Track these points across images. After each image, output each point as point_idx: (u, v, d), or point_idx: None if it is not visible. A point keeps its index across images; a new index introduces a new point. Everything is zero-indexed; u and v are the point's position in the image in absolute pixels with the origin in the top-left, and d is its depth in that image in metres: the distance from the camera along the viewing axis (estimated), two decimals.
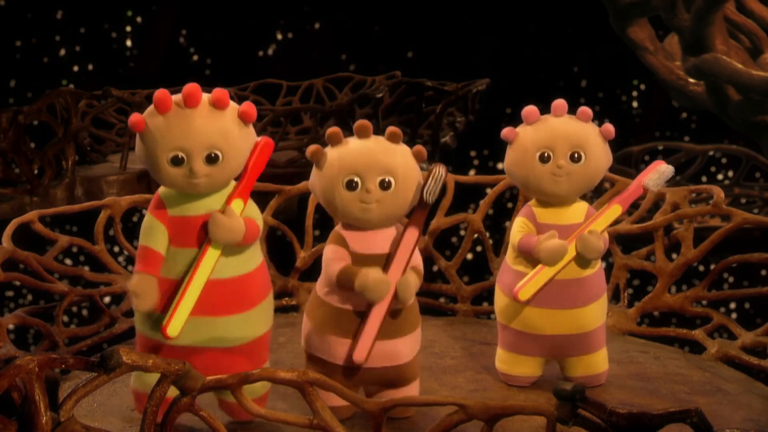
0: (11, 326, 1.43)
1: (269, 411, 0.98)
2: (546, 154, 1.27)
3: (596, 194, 1.91)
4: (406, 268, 1.19)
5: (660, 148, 3.53)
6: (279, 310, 1.67)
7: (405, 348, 1.22)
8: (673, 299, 1.57)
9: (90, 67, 3.82)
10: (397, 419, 1.20)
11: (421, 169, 1.22)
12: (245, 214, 1.18)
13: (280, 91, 3.43)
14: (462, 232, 1.71)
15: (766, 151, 1.94)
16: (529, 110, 1.30)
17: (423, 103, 2.87)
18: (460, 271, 1.69)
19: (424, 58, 3.82)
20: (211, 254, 1.16)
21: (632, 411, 0.89)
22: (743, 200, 3.32)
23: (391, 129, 1.21)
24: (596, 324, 1.31)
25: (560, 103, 1.30)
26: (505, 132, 1.30)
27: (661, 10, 1.76)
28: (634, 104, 3.92)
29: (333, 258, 1.20)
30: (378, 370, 1.21)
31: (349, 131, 1.23)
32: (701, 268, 2.63)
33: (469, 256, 1.73)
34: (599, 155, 1.29)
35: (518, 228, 1.31)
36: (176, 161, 1.14)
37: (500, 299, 1.33)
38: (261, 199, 1.69)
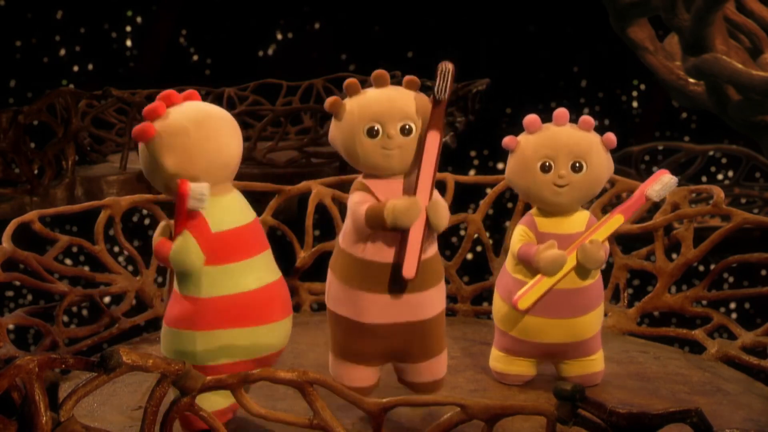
0: (11, 326, 1.43)
1: (269, 411, 0.98)
2: (547, 164, 1.27)
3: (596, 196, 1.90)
4: (434, 178, 1.18)
5: (660, 148, 3.53)
6: None
7: (431, 301, 1.20)
8: (673, 299, 1.57)
9: (90, 67, 3.82)
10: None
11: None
12: None
13: (280, 91, 3.43)
14: (462, 232, 1.71)
15: (766, 151, 1.94)
16: (531, 119, 1.29)
17: None
18: (460, 271, 1.69)
19: (424, 58, 3.82)
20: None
21: (632, 411, 0.89)
22: (743, 200, 3.32)
23: (408, 77, 1.22)
24: (593, 332, 1.31)
25: (562, 112, 1.29)
26: (506, 141, 1.29)
27: (661, 10, 1.76)
28: (634, 104, 3.92)
29: (359, 201, 1.19)
30: (403, 326, 1.19)
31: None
32: (701, 268, 2.63)
33: (469, 256, 1.73)
34: (600, 165, 1.28)
35: (518, 236, 1.30)
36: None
37: (499, 305, 1.33)
38: (261, 199, 1.70)
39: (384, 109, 1.18)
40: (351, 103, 1.20)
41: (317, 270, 1.70)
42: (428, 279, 1.20)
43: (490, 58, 3.78)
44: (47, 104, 2.61)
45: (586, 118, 1.29)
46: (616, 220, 1.30)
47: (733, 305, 3.28)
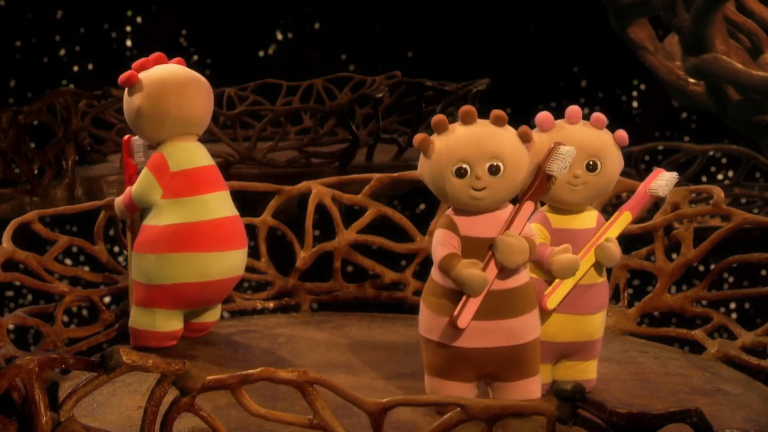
0: (11, 326, 1.43)
1: (269, 411, 0.98)
2: None
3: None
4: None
5: (660, 148, 3.53)
6: (279, 310, 1.67)
7: (522, 327, 1.21)
8: (673, 299, 1.57)
9: (90, 67, 3.82)
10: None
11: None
12: None
13: (280, 91, 3.43)
14: None
15: (766, 151, 1.94)
16: (544, 117, 1.28)
17: (423, 103, 2.87)
18: None
19: (424, 58, 3.82)
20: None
21: (632, 411, 0.89)
22: (743, 200, 3.33)
23: (496, 112, 1.21)
24: (599, 334, 1.31)
25: (575, 110, 1.28)
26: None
27: (661, 10, 1.77)
28: (634, 104, 3.93)
29: (439, 243, 1.20)
30: (496, 351, 1.20)
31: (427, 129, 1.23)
32: (701, 268, 2.63)
33: None
34: (614, 163, 1.27)
35: None
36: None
37: None
38: (261, 199, 1.70)
39: (472, 149, 1.18)
40: (439, 142, 1.20)
41: (317, 270, 1.71)
42: (518, 306, 1.20)
43: (490, 58, 3.78)
44: (47, 104, 2.61)
45: (599, 116, 1.28)
46: (625, 218, 1.29)
47: (733, 305, 3.28)
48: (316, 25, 3.96)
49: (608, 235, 1.27)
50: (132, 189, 1.44)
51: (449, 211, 1.22)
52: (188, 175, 1.43)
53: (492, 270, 1.18)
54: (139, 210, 1.45)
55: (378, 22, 3.91)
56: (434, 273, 1.22)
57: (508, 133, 1.20)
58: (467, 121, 1.20)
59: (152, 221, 1.42)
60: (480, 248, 1.19)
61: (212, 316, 1.51)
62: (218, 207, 1.44)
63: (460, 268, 1.16)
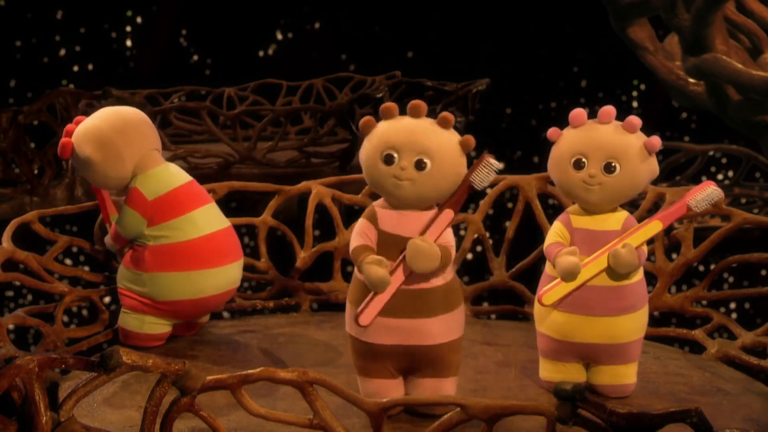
0: (11, 326, 1.43)
1: (269, 411, 0.98)
2: (580, 161, 1.26)
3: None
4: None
5: (660, 148, 3.53)
6: (279, 310, 1.67)
7: (435, 328, 1.20)
8: (673, 299, 1.57)
9: (90, 67, 3.82)
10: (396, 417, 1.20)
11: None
12: None
13: (280, 91, 3.43)
14: (462, 232, 1.71)
15: (766, 151, 1.94)
16: (577, 113, 1.28)
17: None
18: (460, 271, 1.68)
19: (424, 58, 3.82)
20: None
21: (632, 411, 0.89)
22: (743, 200, 3.32)
23: (443, 114, 1.22)
24: (631, 337, 1.29)
25: (608, 110, 1.27)
26: (550, 132, 1.28)
27: (661, 10, 1.77)
28: (634, 104, 3.92)
29: (356, 233, 1.21)
30: (407, 348, 1.20)
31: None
32: (701, 268, 2.63)
33: (469, 256, 1.73)
34: (636, 168, 1.26)
35: (551, 233, 1.29)
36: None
37: (535, 304, 1.32)
38: (261, 199, 1.70)
39: (403, 139, 1.19)
40: (380, 126, 1.21)
41: (317, 270, 1.71)
42: (433, 307, 1.20)
43: (490, 58, 3.78)
44: (47, 104, 2.61)
45: (632, 119, 1.26)
46: (653, 226, 1.28)
47: (733, 305, 3.28)
48: (316, 25, 3.96)
49: (629, 241, 1.26)
50: (116, 227, 1.48)
51: (376, 203, 1.23)
52: (167, 200, 1.45)
53: (400, 271, 1.18)
54: (129, 241, 1.48)
55: (378, 22, 3.91)
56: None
57: (448, 135, 1.21)
58: (414, 114, 1.21)
59: (142, 241, 1.45)
60: (394, 245, 1.19)
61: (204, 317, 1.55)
62: (207, 222, 1.46)
63: (366, 262, 1.17)
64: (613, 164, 1.25)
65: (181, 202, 1.45)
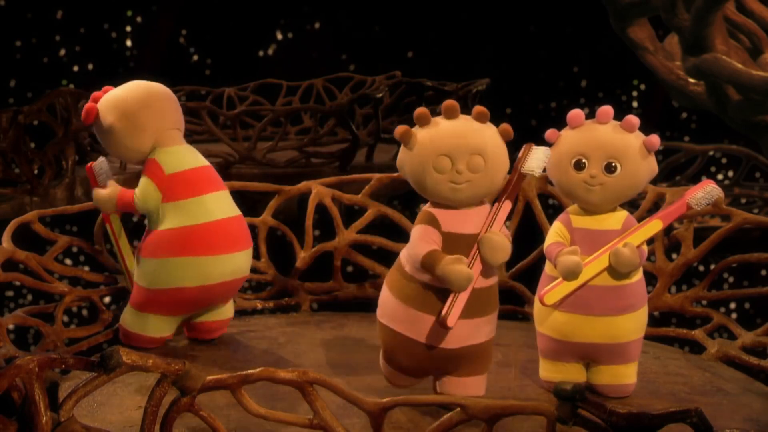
0: (11, 326, 1.43)
1: (269, 411, 0.98)
2: (580, 162, 1.25)
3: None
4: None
5: (660, 148, 3.53)
6: (279, 310, 1.67)
7: (485, 327, 1.22)
8: (673, 299, 1.57)
9: (90, 67, 3.82)
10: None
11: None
12: None
13: (280, 91, 3.43)
14: None
15: (766, 151, 1.94)
16: (575, 114, 1.28)
17: (423, 103, 2.87)
18: None
19: (424, 58, 3.82)
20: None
21: (632, 411, 0.89)
22: (743, 200, 3.32)
23: (478, 108, 1.22)
24: (631, 336, 1.29)
25: (606, 110, 1.27)
26: (548, 133, 1.28)
27: (661, 10, 1.77)
28: (634, 104, 3.92)
29: (420, 238, 1.20)
30: (458, 350, 1.21)
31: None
32: (701, 268, 2.63)
33: None
34: (637, 167, 1.26)
35: (552, 233, 1.29)
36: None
37: (535, 304, 1.32)
38: (261, 199, 1.70)
39: (454, 144, 1.19)
40: (422, 134, 1.21)
41: (317, 270, 1.70)
42: (484, 308, 1.21)
43: (490, 58, 3.78)
44: (47, 104, 2.61)
45: (631, 119, 1.27)
46: (654, 225, 1.28)
47: (733, 305, 3.28)
48: (316, 25, 3.96)
49: (630, 240, 1.25)
50: (133, 196, 1.45)
51: (428, 207, 1.23)
52: (184, 177, 1.44)
53: (477, 267, 1.19)
54: (137, 213, 1.47)
55: (378, 22, 3.91)
56: (406, 264, 1.22)
57: (490, 130, 1.21)
58: (450, 115, 1.21)
59: (154, 226, 1.43)
60: (460, 244, 1.19)
61: (225, 313, 1.51)
62: (218, 208, 1.44)
63: (448, 263, 1.16)
64: (613, 164, 1.25)
65: (195, 183, 1.44)
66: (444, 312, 1.18)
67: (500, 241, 1.19)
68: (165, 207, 1.42)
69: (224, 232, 1.43)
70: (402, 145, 1.22)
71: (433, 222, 1.20)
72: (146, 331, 1.45)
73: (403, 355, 1.22)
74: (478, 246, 1.19)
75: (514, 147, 1.25)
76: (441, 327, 1.18)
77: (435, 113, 1.21)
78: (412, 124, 1.22)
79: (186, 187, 1.43)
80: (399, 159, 1.23)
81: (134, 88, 1.47)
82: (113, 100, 1.46)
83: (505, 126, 1.22)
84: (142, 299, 1.44)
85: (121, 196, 1.46)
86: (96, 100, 1.48)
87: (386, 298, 1.23)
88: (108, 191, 1.47)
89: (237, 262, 1.45)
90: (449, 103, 1.22)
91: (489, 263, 1.19)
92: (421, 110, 1.21)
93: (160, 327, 1.45)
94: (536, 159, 1.22)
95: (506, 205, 1.22)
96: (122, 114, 1.44)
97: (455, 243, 1.19)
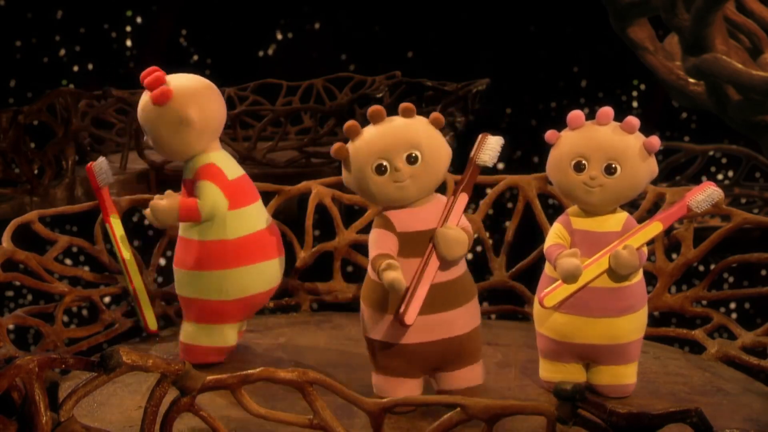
0: (11, 326, 1.43)
1: (269, 411, 0.98)
2: (580, 163, 1.26)
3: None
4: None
5: (660, 148, 3.52)
6: (279, 310, 1.67)
7: (460, 319, 1.23)
8: (673, 299, 1.57)
9: (90, 67, 3.82)
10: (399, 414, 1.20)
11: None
12: None
13: (280, 91, 3.43)
14: None
15: (766, 151, 1.94)
16: (574, 115, 1.28)
17: (423, 103, 2.87)
18: None
19: (424, 58, 3.82)
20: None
21: (632, 411, 0.89)
22: (743, 200, 3.32)
23: (403, 105, 1.23)
24: (631, 337, 1.29)
25: (606, 111, 1.27)
26: (548, 135, 1.28)
27: (661, 10, 1.77)
28: (634, 104, 3.92)
29: (372, 243, 1.22)
30: (437, 344, 1.21)
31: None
32: (701, 268, 2.63)
33: (469, 256, 1.72)
34: (637, 169, 1.26)
35: (552, 235, 1.29)
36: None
37: (535, 304, 1.32)
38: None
39: (386, 144, 1.20)
40: (354, 146, 1.22)
41: (317, 270, 1.70)
42: (455, 299, 1.22)
43: (490, 58, 3.78)
44: (47, 104, 2.61)
45: (631, 120, 1.27)
46: (654, 228, 1.28)
47: (733, 305, 3.28)
48: (316, 25, 3.96)
49: (630, 242, 1.25)
50: (197, 204, 1.35)
51: (383, 210, 1.23)
52: (239, 184, 1.39)
53: (431, 265, 1.19)
54: (199, 221, 1.37)
55: (378, 22, 3.90)
56: (370, 271, 1.23)
57: (420, 123, 1.22)
58: (377, 120, 1.22)
59: (217, 236, 1.37)
60: (418, 242, 1.20)
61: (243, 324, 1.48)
62: (265, 215, 1.43)
63: (381, 269, 1.17)
64: (613, 165, 1.25)
65: (248, 190, 1.40)
66: (402, 310, 1.19)
67: (455, 235, 1.19)
68: (230, 214, 1.37)
69: (276, 237, 1.42)
70: (342, 164, 1.23)
71: (387, 225, 1.21)
72: (221, 342, 1.41)
73: (385, 360, 1.23)
74: (433, 241, 1.19)
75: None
76: (400, 324, 1.19)
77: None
78: None
79: (242, 194, 1.39)
80: (344, 178, 1.24)
81: (203, 81, 1.38)
82: (189, 89, 1.36)
83: (436, 114, 1.23)
84: (211, 312, 1.39)
85: (183, 205, 1.36)
86: (157, 82, 1.35)
87: (361, 310, 1.25)
88: (168, 202, 1.36)
89: (280, 268, 1.44)
90: (373, 108, 1.22)
91: (445, 258, 1.19)
92: (349, 124, 1.22)
93: (229, 335, 1.42)
94: (490, 149, 1.23)
95: (462, 198, 1.22)
96: (200, 108, 1.35)
97: (412, 241, 1.20)
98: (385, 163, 1.19)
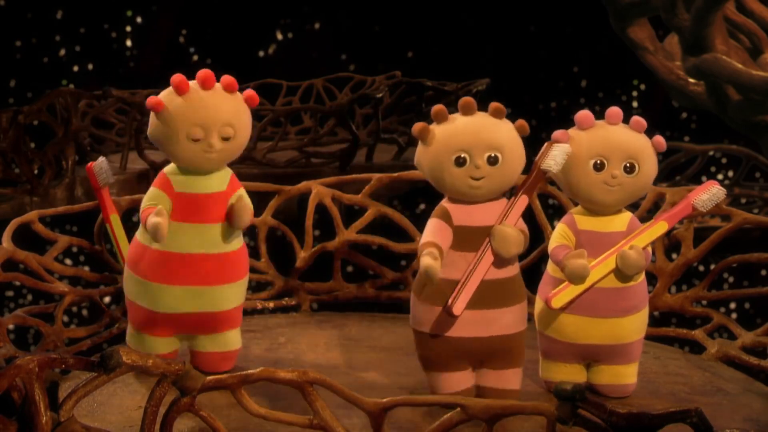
0: (11, 326, 1.43)
1: (269, 411, 0.98)
2: (600, 163, 1.25)
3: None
4: None
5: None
6: (279, 310, 1.67)
7: (510, 319, 1.23)
8: (673, 299, 1.57)
9: (90, 67, 3.82)
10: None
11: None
12: None
13: (280, 91, 3.43)
14: None
15: (766, 151, 1.94)
16: (584, 115, 1.28)
17: (423, 103, 2.87)
18: None
19: (424, 58, 3.82)
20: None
21: (632, 411, 0.89)
22: (743, 200, 3.32)
23: (494, 105, 1.23)
24: (633, 337, 1.29)
25: (615, 111, 1.27)
26: (557, 134, 1.27)
27: (661, 10, 1.77)
28: (634, 104, 3.92)
29: (428, 230, 1.23)
30: (482, 341, 1.22)
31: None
32: (701, 268, 2.63)
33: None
34: (651, 167, 1.26)
35: (556, 236, 1.29)
36: (195, 138, 1.29)
37: (537, 305, 1.32)
38: (261, 199, 1.70)
39: (472, 139, 1.20)
40: (439, 131, 1.22)
41: (317, 270, 1.70)
42: (507, 298, 1.23)
43: (490, 58, 3.78)
44: (47, 104, 2.61)
45: (638, 119, 1.27)
46: (659, 227, 1.28)
47: (733, 305, 3.28)
48: (316, 25, 3.96)
49: (636, 242, 1.26)
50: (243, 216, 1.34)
51: (444, 201, 1.24)
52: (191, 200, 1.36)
53: (485, 260, 1.20)
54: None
55: (378, 22, 3.90)
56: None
57: (506, 126, 1.23)
58: (467, 111, 1.23)
59: (237, 246, 1.35)
60: (473, 238, 1.21)
61: (227, 345, 1.38)
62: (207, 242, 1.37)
63: (424, 254, 1.18)
64: (632, 164, 1.25)
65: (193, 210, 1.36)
66: (450, 301, 1.20)
67: (512, 233, 1.21)
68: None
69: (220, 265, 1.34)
70: (419, 143, 1.23)
71: (445, 216, 1.23)
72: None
73: (432, 353, 1.24)
74: (490, 237, 1.20)
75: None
76: (448, 315, 1.20)
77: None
78: (411, 125, 1.23)
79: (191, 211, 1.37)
80: (417, 156, 1.24)
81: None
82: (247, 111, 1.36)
83: (522, 122, 1.24)
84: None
85: (236, 209, 1.38)
86: (234, 86, 1.32)
87: (411, 301, 1.25)
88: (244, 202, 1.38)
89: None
90: (466, 99, 1.23)
91: (500, 254, 1.20)
92: (438, 107, 1.23)
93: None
94: (556, 156, 1.24)
95: (522, 200, 1.24)
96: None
97: (468, 236, 1.21)
98: (466, 156, 1.20)
